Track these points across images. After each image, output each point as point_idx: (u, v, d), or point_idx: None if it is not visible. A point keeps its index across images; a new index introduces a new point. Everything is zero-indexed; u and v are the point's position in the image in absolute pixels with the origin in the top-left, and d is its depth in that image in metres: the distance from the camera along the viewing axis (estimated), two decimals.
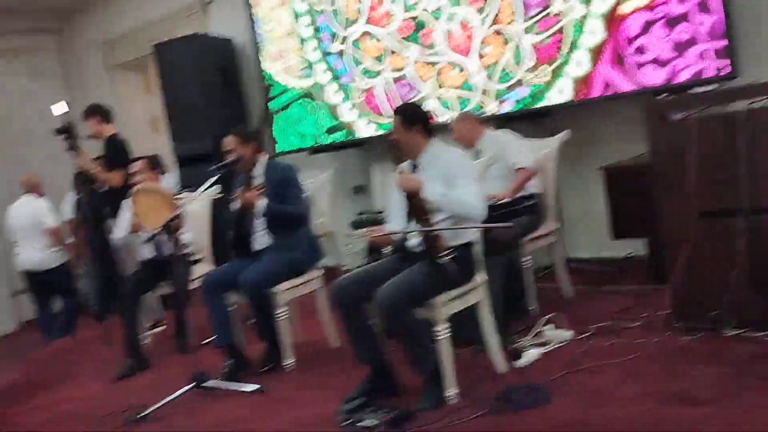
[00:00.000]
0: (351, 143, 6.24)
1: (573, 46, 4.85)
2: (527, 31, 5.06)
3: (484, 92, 5.39)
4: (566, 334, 3.65)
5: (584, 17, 4.76)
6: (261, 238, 3.99)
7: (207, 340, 4.34)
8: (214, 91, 6.81)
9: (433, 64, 5.59)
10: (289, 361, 3.92)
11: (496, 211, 3.90)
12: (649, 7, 4.45)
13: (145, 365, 4.44)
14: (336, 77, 6.14)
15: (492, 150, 4.21)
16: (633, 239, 4.71)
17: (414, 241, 3.19)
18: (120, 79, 8.49)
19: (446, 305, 3.08)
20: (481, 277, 3.30)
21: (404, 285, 2.99)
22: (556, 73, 4.89)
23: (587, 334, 3.66)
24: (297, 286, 3.97)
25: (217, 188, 4.61)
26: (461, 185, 3.12)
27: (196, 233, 4.83)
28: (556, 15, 4.91)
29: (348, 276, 3.26)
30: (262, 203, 3.84)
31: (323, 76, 6.23)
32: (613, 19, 4.60)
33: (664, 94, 3.48)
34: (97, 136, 5.36)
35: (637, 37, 4.52)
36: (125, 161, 5.10)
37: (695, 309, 3.40)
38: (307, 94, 6.37)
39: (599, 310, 4.06)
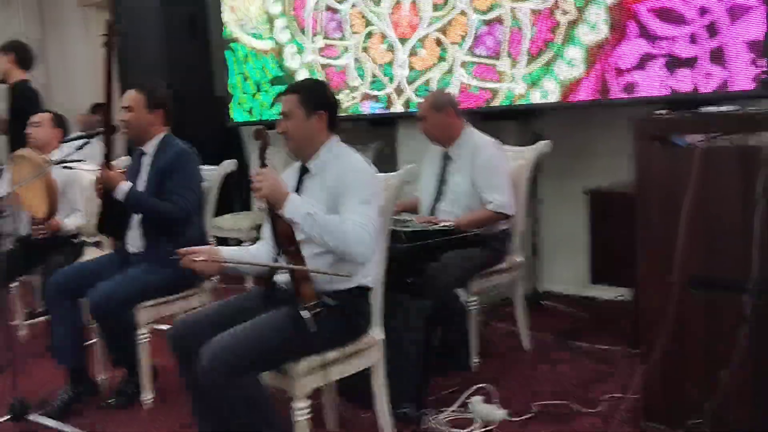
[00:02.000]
0: None
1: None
2: (463, 65, 4.23)
3: (398, 90, 4.57)
4: (497, 413, 2.74)
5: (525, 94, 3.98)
6: (136, 238, 3.11)
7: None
8: (177, 42, 5.90)
9: (368, 23, 4.70)
10: (147, 396, 3.07)
11: (434, 238, 2.98)
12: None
13: None
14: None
15: (467, 161, 3.28)
16: (615, 287, 3.77)
17: (284, 276, 2.29)
18: (92, 19, 7.65)
19: (310, 375, 2.18)
20: (376, 334, 2.41)
21: (247, 339, 2.10)
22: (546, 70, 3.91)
23: (526, 416, 2.75)
24: (167, 302, 3.09)
25: (125, 160, 3.74)
26: (346, 206, 2.21)
27: (92, 210, 3.98)
28: (498, 73, 4.07)
29: (190, 315, 2.38)
30: (123, 187, 2.95)
31: (282, 35, 5.30)
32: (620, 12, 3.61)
33: (664, 111, 2.53)
34: (4, 79, 4.52)
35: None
36: (28, 113, 4.24)
37: (671, 407, 2.47)
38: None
39: (556, 377, 3.16)
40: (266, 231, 2.46)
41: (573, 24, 3.75)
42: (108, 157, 2.91)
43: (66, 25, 7.66)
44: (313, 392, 2.23)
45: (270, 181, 2.13)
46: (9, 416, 2.86)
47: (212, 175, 3.30)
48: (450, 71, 4.31)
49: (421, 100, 4.39)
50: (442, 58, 4.34)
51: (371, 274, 2.35)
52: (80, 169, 3.72)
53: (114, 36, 2.76)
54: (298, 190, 2.36)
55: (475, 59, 4.19)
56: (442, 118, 3.31)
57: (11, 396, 2.89)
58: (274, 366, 2.17)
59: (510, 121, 4.26)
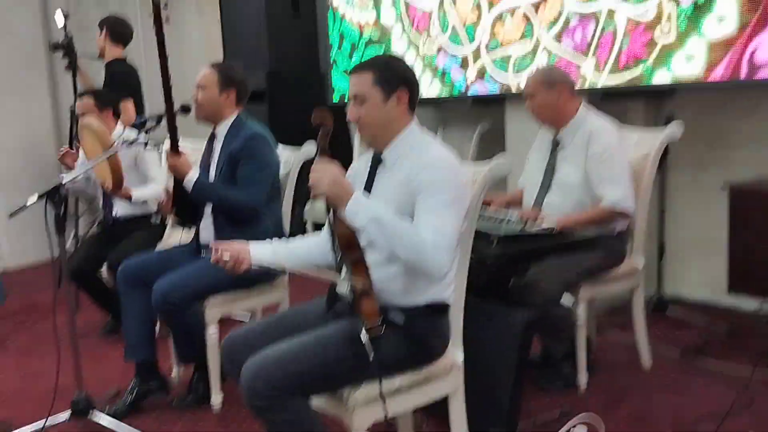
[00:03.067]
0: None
1: None
2: (546, 51, 3.84)
3: (476, 54, 4.22)
4: None
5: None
6: (208, 228, 2.88)
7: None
8: (280, 20, 5.67)
9: None
10: (216, 399, 2.83)
11: (531, 242, 2.54)
12: None
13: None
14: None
15: (579, 148, 2.79)
16: (757, 297, 3.17)
17: (345, 284, 1.95)
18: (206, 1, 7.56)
19: (370, 404, 1.83)
20: (454, 356, 2.03)
21: (295, 357, 1.78)
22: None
23: None
24: (238, 297, 2.84)
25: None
26: (422, 208, 1.83)
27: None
28: (580, 74, 3.70)
29: (242, 329, 2.08)
30: (191, 176, 2.71)
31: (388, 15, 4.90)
32: None
33: None
34: (100, 55, 4.41)
35: None
36: (121, 93, 4.11)
37: None
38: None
39: (680, 404, 2.67)
40: (326, 229, 2.11)
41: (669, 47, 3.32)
42: (175, 143, 2.67)
43: (180, 6, 7.61)
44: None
45: (329, 177, 1.79)
46: (71, 414, 2.69)
47: (290, 159, 3.01)
48: (532, 53, 3.90)
49: (496, 71, 4.08)
50: (525, 36, 3.93)
51: (451, 287, 1.97)
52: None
53: (161, 16, 2.50)
54: (370, 183, 2.01)
55: (560, 50, 3.76)
56: (553, 96, 2.83)
57: (76, 390, 2.72)
58: (325, 390, 1.84)
59: (638, 101, 3.72)
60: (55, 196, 2.54)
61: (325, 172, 1.79)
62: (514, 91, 4.02)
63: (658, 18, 3.36)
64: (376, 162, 2.02)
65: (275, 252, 2.07)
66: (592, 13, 3.62)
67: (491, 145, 4.29)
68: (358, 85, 1.96)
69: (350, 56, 5.26)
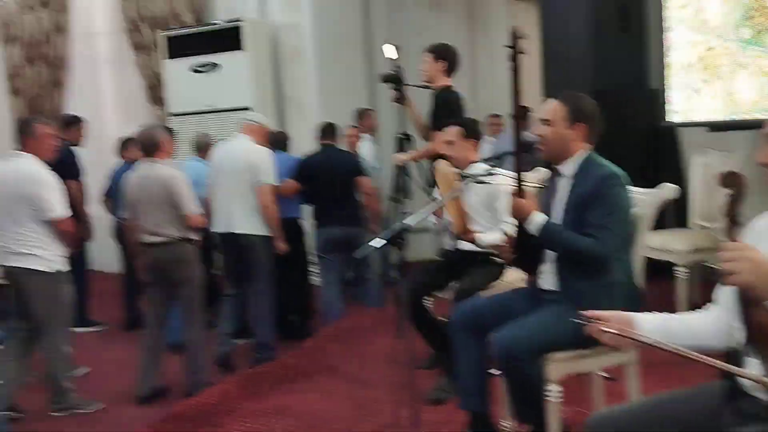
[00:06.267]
0: None
1: None
2: None
3: None
4: None
5: None
6: (549, 274, 2.64)
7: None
8: (607, 36, 5.27)
9: None
10: None
11: None
12: None
13: None
14: None
15: None
16: None
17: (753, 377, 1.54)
18: (519, 14, 7.38)
19: None
20: None
21: None
22: None
23: None
24: (582, 357, 2.55)
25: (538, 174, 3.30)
26: None
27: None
28: None
29: (612, 411, 1.80)
30: (537, 219, 2.49)
31: None
32: None
33: None
34: (429, 84, 4.39)
35: None
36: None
37: None
38: None
39: None
40: (722, 297, 1.73)
41: None
42: (519, 182, 2.47)
43: (492, 23, 7.49)
44: None
45: (751, 262, 1.38)
46: None
47: (646, 200, 2.65)
48: None
49: None
50: None
51: None
52: (500, 184, 3.36)
53: (520, 46, 2.31)
54: None
55: None
56: None
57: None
58: None
59: None
60: (398, 240, 2.51)
61: (744, 255, 1.41)
62: None
63: None
64: None
65: (667, 327, 1.76)
66: None
67: None
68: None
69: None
